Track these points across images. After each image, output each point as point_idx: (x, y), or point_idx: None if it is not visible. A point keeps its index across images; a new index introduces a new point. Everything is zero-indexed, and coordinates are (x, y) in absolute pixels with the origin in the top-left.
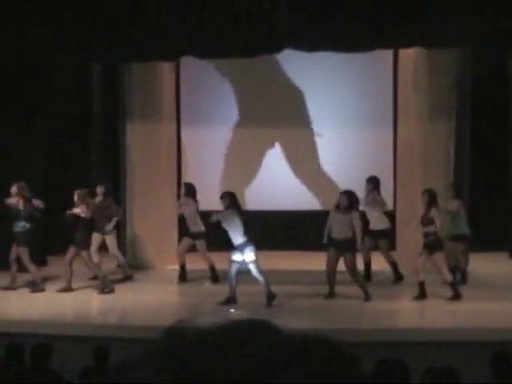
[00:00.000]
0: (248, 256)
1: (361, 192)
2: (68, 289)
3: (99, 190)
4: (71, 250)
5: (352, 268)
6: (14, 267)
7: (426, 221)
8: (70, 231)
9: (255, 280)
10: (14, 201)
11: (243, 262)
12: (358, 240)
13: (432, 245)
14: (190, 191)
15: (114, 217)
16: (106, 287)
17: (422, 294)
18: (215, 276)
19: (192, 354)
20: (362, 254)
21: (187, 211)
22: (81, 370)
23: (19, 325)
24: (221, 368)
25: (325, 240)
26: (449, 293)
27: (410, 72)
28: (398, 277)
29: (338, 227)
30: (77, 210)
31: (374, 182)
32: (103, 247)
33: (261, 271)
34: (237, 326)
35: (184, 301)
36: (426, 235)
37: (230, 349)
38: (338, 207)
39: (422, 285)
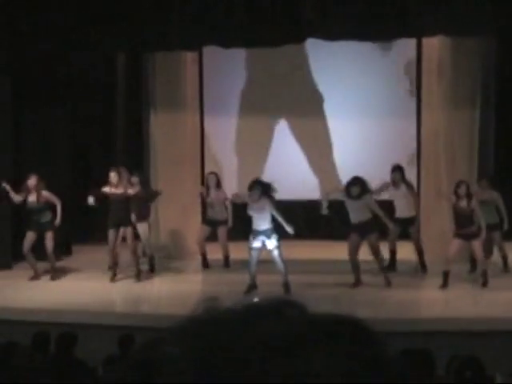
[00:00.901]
0: (271, 243)
1: (384, 178)
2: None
3: (134, 179)
4: (112, 234)
5: (376, 248)
6: (31, 257)
7: (466, 212)
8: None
9: (274, 269)
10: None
11: (263, 249)
12: (386, 221)
13: (472, 235)
14: (219, 180)
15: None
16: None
17: (445, 284)
18: (227, 265)
19: (219, 330)
20: (388, 243)
21: (218, 199)
22: (105, 358)
23: (45, 314)
24: (247, 345)
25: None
26: (472, 282)
27: (434, 60)
28: (423, 267)
29: (354, 213)
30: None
31: (401, 171)
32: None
33: (282, 259)
34: (263, 304)
35: (208, 290)
36: (464, 226)
37: (257, 326)
38: (349, 195)
39: (447, 274)
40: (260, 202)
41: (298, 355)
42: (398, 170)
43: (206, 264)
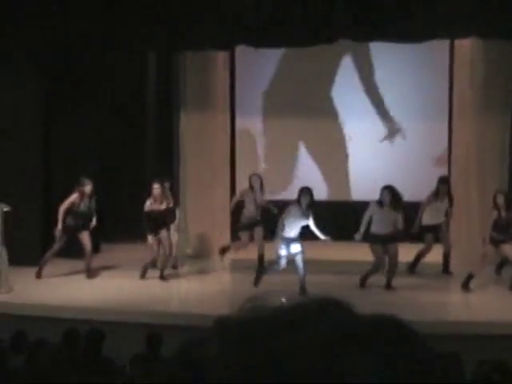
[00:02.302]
0: (295, 247)
1: (417, 186)
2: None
3: (165, 184)
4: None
5: (396, 262)
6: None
7: (505, 221)
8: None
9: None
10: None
11: (289, 255)
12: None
13: (504, 240)
14: (262, 181)
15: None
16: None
17: (466, 285)
18: (262, 265)
19: (264, 330)
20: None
21: (261, 200)
22: (133, 356)
23: (74, 311)
24: (293, 345)
25: (359, 236)
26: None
27: (467, 64)
28: (447, 270)
29: (380, 224)
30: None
31: (449, 183)
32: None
33: (304, 265)
34: (309, 304)
35: (237, 290)
36: (501, 233)
37: (302, 326)
38: (380, 204)
39: (470, 277)
40: (307, 210)
41: (343, 355)
42: (446, 181)
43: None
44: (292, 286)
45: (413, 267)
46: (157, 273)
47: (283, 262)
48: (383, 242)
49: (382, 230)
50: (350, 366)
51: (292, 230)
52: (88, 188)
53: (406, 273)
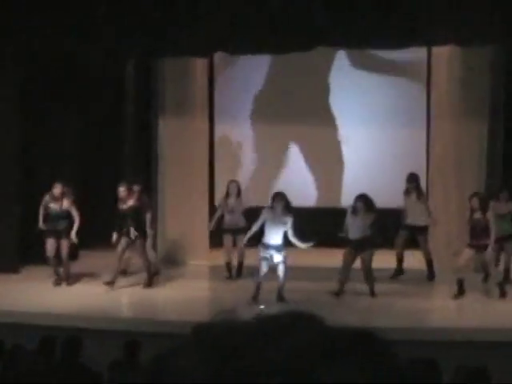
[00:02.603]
0: (278, 257)
1: (394, 190)
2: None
3: (135, 187)
4: (123, 243)
5: (368, 267)
6: (54, 262)
7: (481, 224)
8: (106, 225)
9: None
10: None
11: (271, 260)
12: (375, 239)
13: (485, 246)
14: (239, 188)
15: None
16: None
17: (460, 291)
18: (240, 272)
19: (238, 342)
20: (396, 250)
21: (239, 208)
22: (110, 363)
23: (51, 318)
24: (266, 358)
25: (343, 234)
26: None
27: (444, 71)
28: (431, 275)
29: (354, 229)
30: (132, 202)
31: (417, 180)
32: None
33: (285, 275)
34: (281, 317)
35: (216, 296)
36: (478, 237)
37: (275, 340)
38: (354, 211)
39: (461, 282)
40: (282, 216)
41: (314, 367)
42: (413, 178)
43: (230, 273)
44: (272, 293)
45: (400, 272)
46: (133, 279)
47: (263, 267)
48: (356, 248)
49: (355, 235)
50: (321, 379)
51: (270, 236)
52: (56, 191)
53: (386, 279)
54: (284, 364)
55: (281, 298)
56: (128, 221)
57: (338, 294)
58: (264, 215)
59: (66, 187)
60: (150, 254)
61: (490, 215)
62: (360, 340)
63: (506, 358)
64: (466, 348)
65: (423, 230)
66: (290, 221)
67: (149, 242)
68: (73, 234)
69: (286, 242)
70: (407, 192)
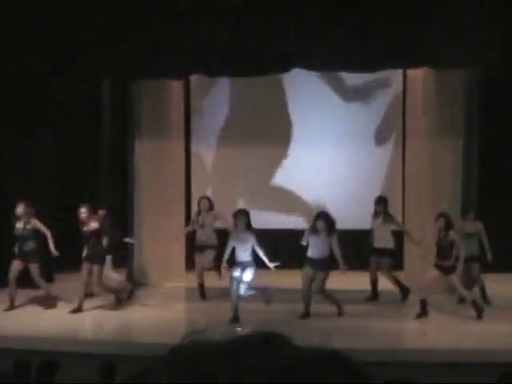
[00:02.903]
0: (246, 275)
1: (368, 209)
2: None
3: (101, 212)
4: (85, 267)
5: (319, 287)
6: (13, 286)
7: (445, 244)
8: (79, 247)
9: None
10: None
11: (240, 277)
12: (340, 261)
13: (450, 268)
14: (211, 204)
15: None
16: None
17: (423, 312)
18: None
19: (207, 365)
20: (369, 273)
21: (210, 223)
22: None
23: (26, 341)
24: (233, 377)
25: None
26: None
27: (419, 92)
28: (405, 292)
29: (314, 249)
30: (93, 225)
31: (385, 203)
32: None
33: (242, 295)
34: (250, 338)
35: (190, 318)
36: (443, 258)
37: (243, 359)
38: (314, 230)
39: (423, 303)
40: (244, 233)
41: None
42: (381, 201)
43: (203, 294)
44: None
45: (375, 296)
46: (109, 301)
47: (234, 284)
48: (315, 267)
49: (316, 254)
50: None
51: (237, 253)
52: (19, 210)
53: (360, 300)
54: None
55: (235, 318)
56: (90, 243)
57: (305, 316)
58: (231, 234)
59: (30, 206)
60: (112, 275)
61: (454, 235)
62: (328, 360)
63: (478, 379)
64: (441, 369)
65: (388, 252)
66: (252, 238)
67: (108, 265)
68: (51, 248)
69: (260, 263)
70: (375, 214)
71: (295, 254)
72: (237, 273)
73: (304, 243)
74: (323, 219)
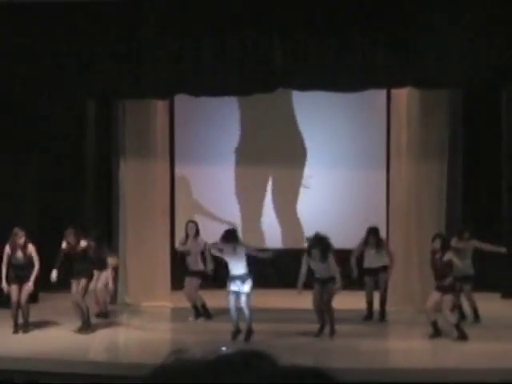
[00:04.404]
0: (245, 287)
1: (355, 228)
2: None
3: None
4: (75, 284)
5: (328, 299)
6: (17, 309)
7: (442, 265)
8: (64, 268)
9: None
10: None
11: (240, 293)
12: (339, 282)
13: (449, 287)
14: (198, 229)
15: None
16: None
17: (436, 332)
18: (200, 313)
19: (189, 381)
20: (365, 294)
21: (196, 249)
22: None
23: (9, 361)
24: None
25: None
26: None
27: (403, 111)
28: (383, 316)
29: (316, 272)
30: (83, 243)
31: (377, 234)
32: None
33: (249, 307)
34: (231, 356)
35: (176, 338)
36: (441, 278)
37: (225, 377)
38: (310, 256)
39: (435, 324)
40: (235, 246)
41: None
42: (373, 232)
43: (200, 314)
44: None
45: (370, 316)
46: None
47: (231, 299)
48: (322, 285)
49: (320, 275)
50: None
51: (233, 268)
52: (20, 241)
53: (352, 320)
54: None
55: (249, 336)
56: (78, 261)
57: (320, 332)
58: (224, 252)
59: (24, 232)
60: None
61: (451, 255)
62: (311, 379)
63: None
64: None
65: (380, 270)
66: (242, 248)
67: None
68: (33, 277)
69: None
70: (366, 243)
71: (279, 274)
72: (235, 287)
73: (303, 270)
74: (317, 246)
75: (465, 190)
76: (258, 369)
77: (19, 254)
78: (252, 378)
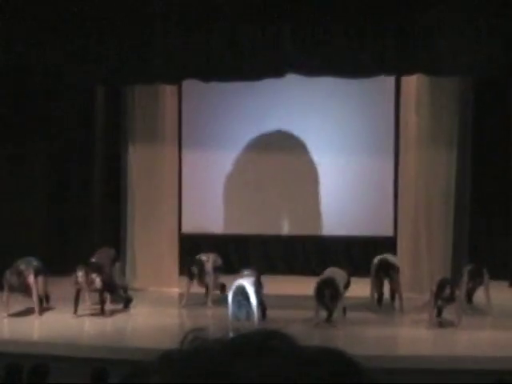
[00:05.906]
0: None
1: (362, 215)
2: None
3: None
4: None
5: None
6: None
7: (446, 297)
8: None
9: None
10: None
11: (243, 285)
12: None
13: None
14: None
15: None
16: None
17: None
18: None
19: (205, 362)
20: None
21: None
22: None
23: (17, 345)
24: (233, 377)
25: None
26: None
27: (412, 99)
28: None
29: None
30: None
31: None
32: None
33: (253, 297)
34: (250, 336)
35: (183, 324)
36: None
37: (244, 359)
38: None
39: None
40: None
41: None
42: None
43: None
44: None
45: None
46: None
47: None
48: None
49: None
50: None
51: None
52: (30, 280)
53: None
54: (255, 383)
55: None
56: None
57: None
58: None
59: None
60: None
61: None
62: (330, 359)
63: None
64: (435, 376)
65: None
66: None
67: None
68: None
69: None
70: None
71: (287, 261)
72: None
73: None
74: (327, 293)
75: (474, 177)
76: (279, 349)
77: (19, 281)
78: (273, 358)
